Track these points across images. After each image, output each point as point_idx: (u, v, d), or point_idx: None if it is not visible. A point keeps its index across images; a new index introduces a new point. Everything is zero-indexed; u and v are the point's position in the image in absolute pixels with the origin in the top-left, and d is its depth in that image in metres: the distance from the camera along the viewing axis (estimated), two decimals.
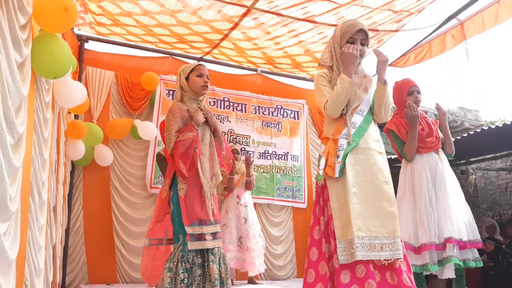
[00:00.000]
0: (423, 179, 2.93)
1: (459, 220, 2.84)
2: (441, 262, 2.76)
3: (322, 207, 2.16)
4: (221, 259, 2.51)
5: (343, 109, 2.18)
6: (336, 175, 2.05)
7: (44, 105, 2.21)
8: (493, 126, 4.80)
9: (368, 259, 1.94)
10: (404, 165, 3.09)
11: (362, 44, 2.21)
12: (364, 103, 2.22)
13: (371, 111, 2.26)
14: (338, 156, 2.08)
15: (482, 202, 8.35)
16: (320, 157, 2.25)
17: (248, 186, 4.47)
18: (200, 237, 2.41)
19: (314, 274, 2.07)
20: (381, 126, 2.40)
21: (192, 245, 2.38)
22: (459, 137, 6.00)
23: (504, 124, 4.56)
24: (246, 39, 4.40)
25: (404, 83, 3.16)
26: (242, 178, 4.48)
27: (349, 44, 2.17)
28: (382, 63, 2.20)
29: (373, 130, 2.22)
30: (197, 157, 2.46)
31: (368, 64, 2.37)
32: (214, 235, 2.47)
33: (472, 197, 8.02)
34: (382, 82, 2.18)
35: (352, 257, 1.93)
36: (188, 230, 2.39)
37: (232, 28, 4.15)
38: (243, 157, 4.63)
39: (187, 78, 2.61)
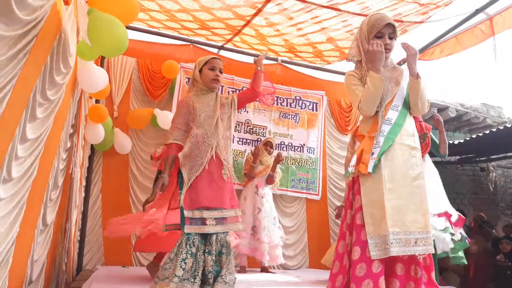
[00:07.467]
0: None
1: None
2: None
3: (351, 201, 2.16)
4: (224, 247, 2.44)
5: (377, 106, 2.16)
6: (370, 170, 2.04)
7: (47, 87, 2.05)
8: None
9: (403, 254, 1.95)
10: None
11: (390, 38, 2.19)
12: (398, 97, 2.20)
13: (406, 104, 2.22)
14: (373, 153, 2.07)
15: (501, 201, 8.20)
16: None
17: (269, 180, 4.47)
18: (200, 221, 2.39)
19: (339, 265, 2.12)
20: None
21: (188, 229, 2.37)
22: (480, 134, 5.87)
23: None
24: (268, 25, 4.35)
25: None
26: (265, 170, 4.47)
27: (376, 39, 2.15)
28: (411, 57, 2.17)
29: (409, 125, 2.19)
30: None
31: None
32: (218, 220, 2.42)
33: (491, 195, 7.87)
34: (415, 75, 2.15)
35: (385, 252, 1.93)
36: (187, 213, 2.39)
37: (255, 14, 4.11)
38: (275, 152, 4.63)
39: (200, 70, 2.65)
